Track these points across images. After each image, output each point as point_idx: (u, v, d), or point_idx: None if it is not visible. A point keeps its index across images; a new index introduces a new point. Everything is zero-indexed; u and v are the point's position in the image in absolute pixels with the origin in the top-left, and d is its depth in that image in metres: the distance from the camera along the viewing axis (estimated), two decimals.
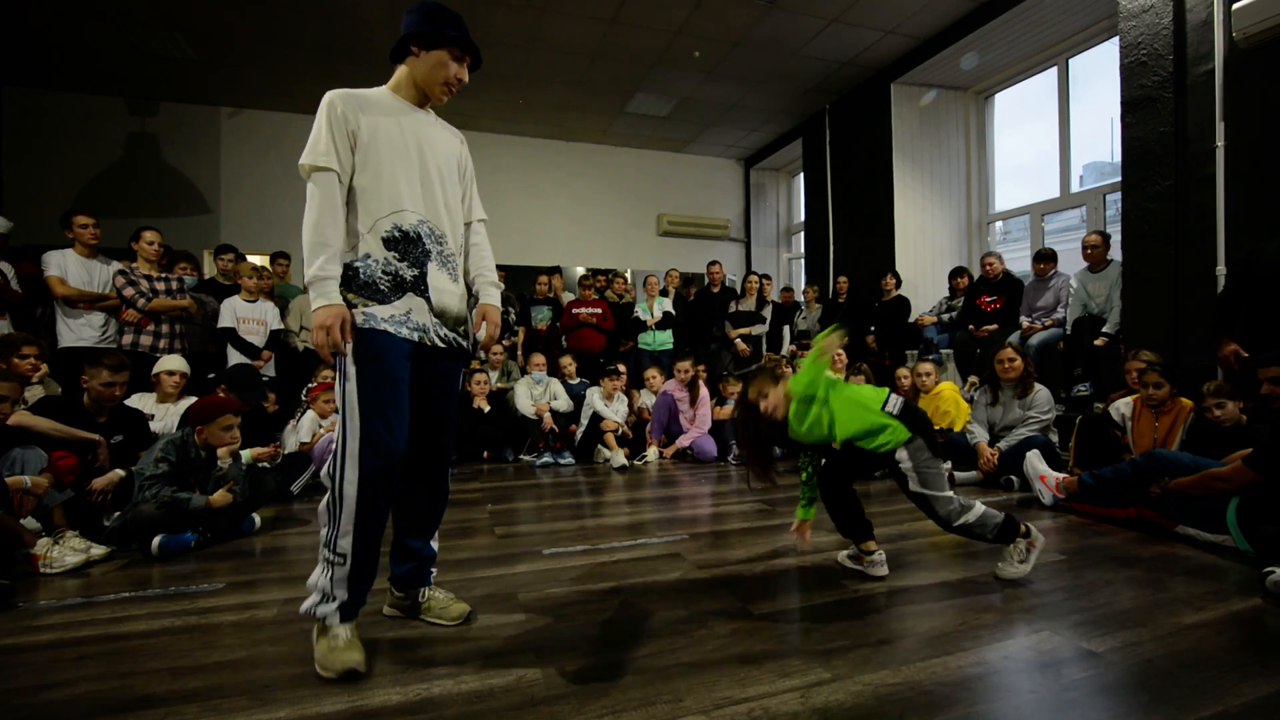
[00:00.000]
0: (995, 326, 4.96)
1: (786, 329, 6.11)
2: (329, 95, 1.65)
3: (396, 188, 1.69)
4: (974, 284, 5.47)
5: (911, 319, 5.83)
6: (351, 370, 1.60)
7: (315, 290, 1.57)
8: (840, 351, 5.15)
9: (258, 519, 3.01)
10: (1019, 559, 2.13)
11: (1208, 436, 2.89)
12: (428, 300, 1.72)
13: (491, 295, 1.91)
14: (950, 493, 2.12)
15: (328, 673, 1.53)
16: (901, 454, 2.09)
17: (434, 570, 1.94)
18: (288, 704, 1.41)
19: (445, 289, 1.77)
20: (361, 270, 1.65)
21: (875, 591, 2.06)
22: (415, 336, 1.68)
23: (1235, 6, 3.40)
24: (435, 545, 1.93)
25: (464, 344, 1.84)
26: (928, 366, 4.43)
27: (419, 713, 1.37)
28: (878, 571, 2.19)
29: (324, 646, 1.59)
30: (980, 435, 3.80)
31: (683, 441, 4.93)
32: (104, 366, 3.00)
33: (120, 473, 2.89)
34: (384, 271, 1.66)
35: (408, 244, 1.69)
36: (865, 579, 2.18)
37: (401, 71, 1.78)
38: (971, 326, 5.12)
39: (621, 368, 5.31)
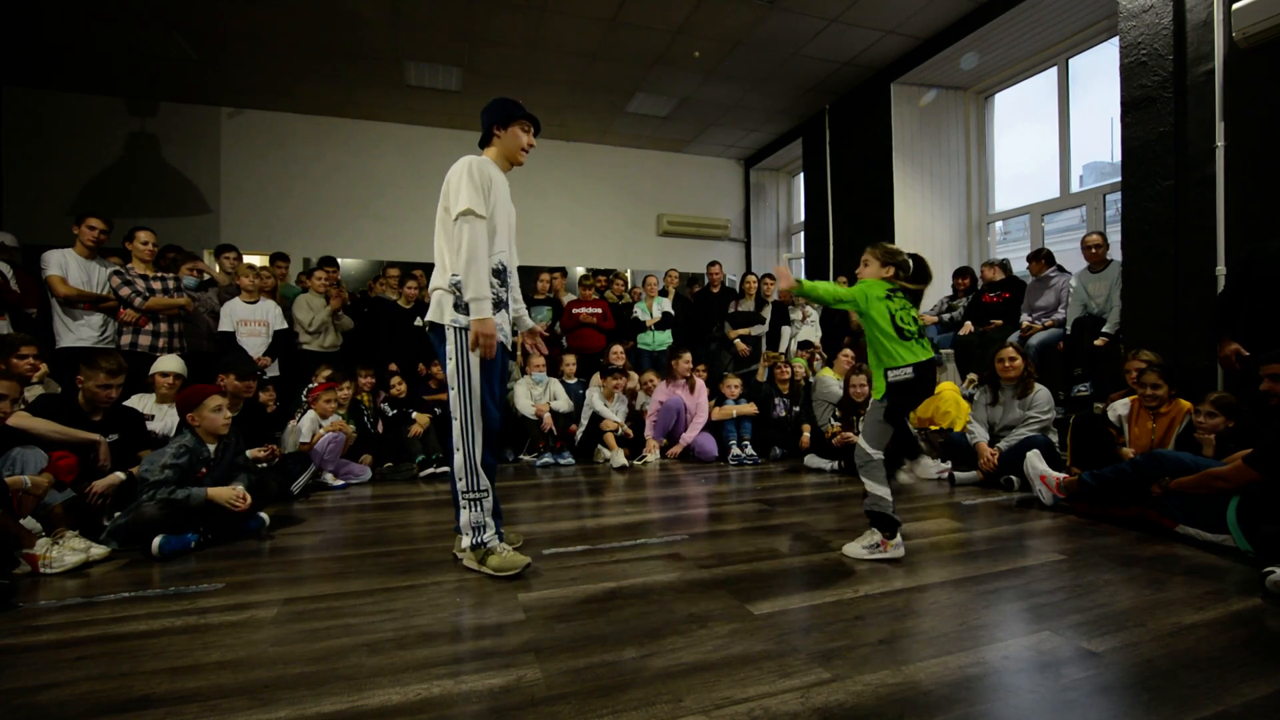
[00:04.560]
0: (1000, 322, 4.97)
1: (785, 329, 6.10)
2: (474, 160, 2.24)
3: (501, 233, 2.33)
4: (972, 284, 5.50)
5: None
6: (476, 362, 2.22)
7: (478, 307, 2.16)
8: (848, 352, 5.17)
9: (266, 518, 3.00)
10: (866, 546, 2.41)
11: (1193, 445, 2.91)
12: (506, 314, 2.42)
13: (531, 322, 2.65)
14: (874, 452, 2.40)
15: (510, 571, 2.18)
16: (874, 407, 2.44)
17: None
18: (288, 704, 1.41)
19: (509, 307, 2.47)
20: None
21: (875, 591, 2.07)
22: (501, 338, 2.32)
23: (1235, 6, 3.40)
24: None
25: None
26: None
27: (419, 713, 1.37)
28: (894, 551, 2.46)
29: (497, 560, 2.21)
30: (980, 435, 3.80)
31: (686, 438, 4.93)
32: (101, 369, 2.98)
33: (121, 475, 2.89)
34: (492, 291, 2.25)
35: (503, 274, 2.37)
36: (865, 579, 2.18)
37: (492, 149, 2.42)
38: (970, 325, 5.13)
39: (625, 364, 5.32)
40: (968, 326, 5.14)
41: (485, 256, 2.18)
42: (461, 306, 2.21)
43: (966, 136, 6.45)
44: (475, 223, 2.16)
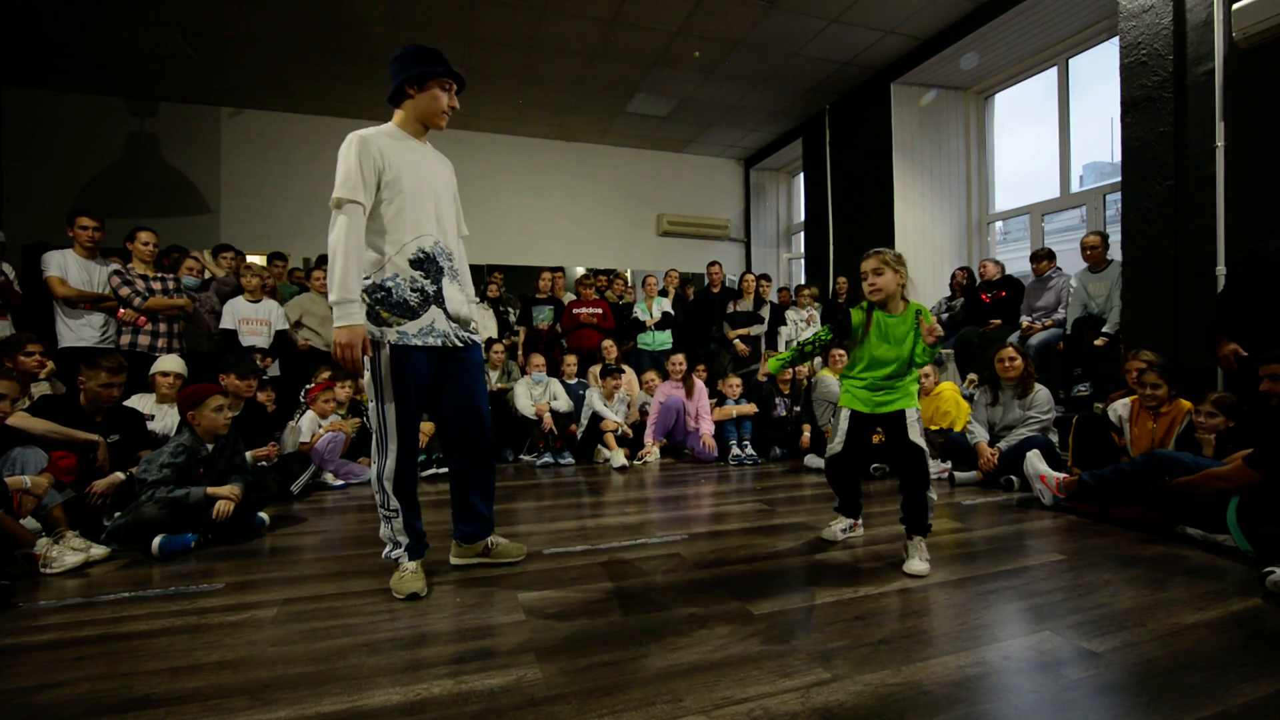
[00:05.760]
0: (999, 322, 4.97)
1: (782, 330, 6.11)
2: (355, 137, 1.92)
3: (417, 215, 2.01)
4: (974, 284, 5.51)
5: None
6: (388, 377, 1.98)
7: (340, 311, 1.83)
8: (839, 352, 5.16)
9: (266, 518, 3.01)
10: (925, 559, 2.28)
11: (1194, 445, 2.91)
12: (445, 310, 2.08)
13: (474, 313, 2.30)
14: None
15: (399, 595, 2.03)
16: (911, 414, 2.39)
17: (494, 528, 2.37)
18: (288, 704, 1.41)
19: (457, 298, 2.13)
20: (394, 290, 1.97)
21: (875, 591, 2.07)
22: (439, 342, 2.06)
23: (1235, 6, 3.40)
24: (490, 511, 2.34)
25: (477, 338, 2.24)
26: (927, 367, 4.43)
27: (419, 713, 1.37)
28: (861, 530, 2.71)
29: (396, 578, 2.09)
30: (980, 435, 3.80)
31: (707, 429, 4.87)
32: (102, 368, 2.99)
33: (120, 476, 2.89)
34: (412, 289, 2.00)
35: (428, 263, 2.04)
36: (865, 579, 2.18)
37: (402, 111, 2.07)
38: (970, 326, 5.13)
39: (625, 366, 5.32)
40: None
41: (355, 250, 1.87)
42: (373, 314, 1.96)
43: (966, 136, 6.45)
44: (349, 210, 1.87)
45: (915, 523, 2.33)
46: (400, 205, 1.96)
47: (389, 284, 1.97)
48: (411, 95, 2.03)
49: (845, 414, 2.50)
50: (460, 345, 2.11)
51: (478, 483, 2.26)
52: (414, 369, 2.00)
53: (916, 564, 2.25)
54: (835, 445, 2.54)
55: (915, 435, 2.35)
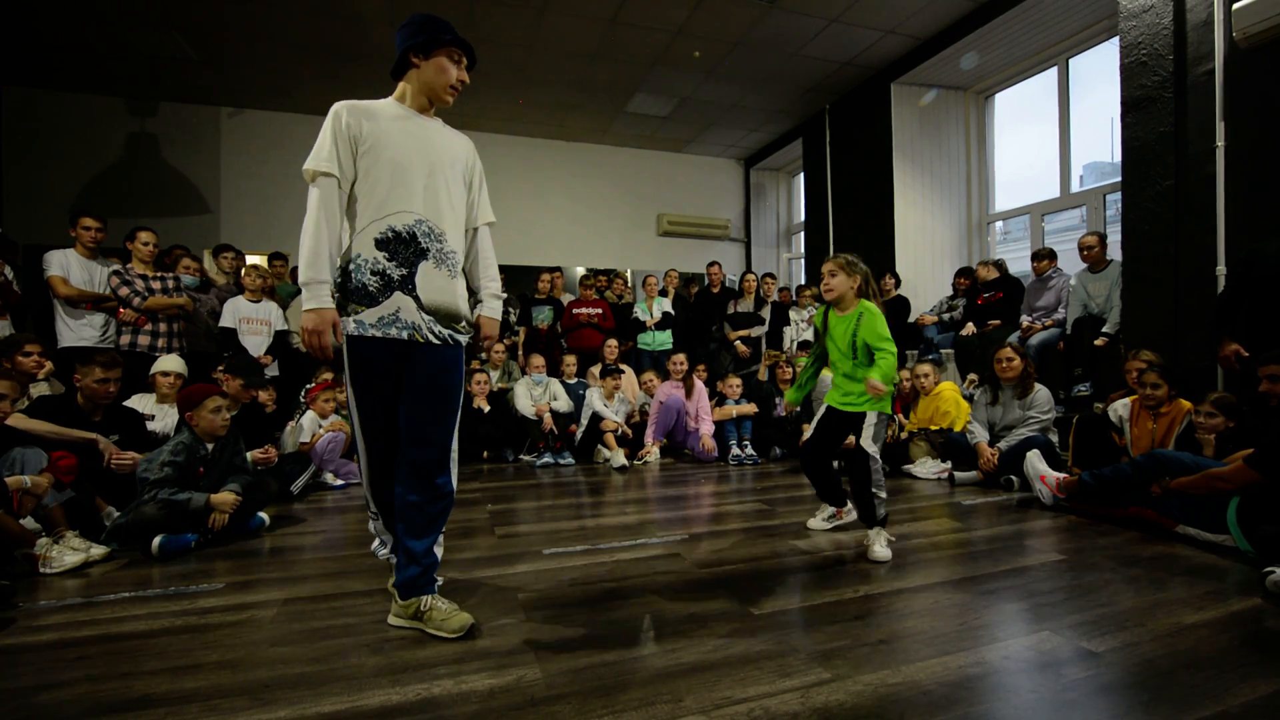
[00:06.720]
0: (998, 322, 4.97)
1: (786, 330, 6.10)
2: (336, 106, 1.77)
3: (396, 190, 1.76)
4: (973, 284, 5.51)
5: (911, 319, 5.82)
6: (348, 375, 1.81)
7: (307, 293, 1.67)
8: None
9: (265, 518, 3.01)
10: (884, 544, 2.45)
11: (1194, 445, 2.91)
12: (416, 299, 1.79)
13: (493, 308, 2.04)
14: (880, 461, 2.53)
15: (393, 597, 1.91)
16: (871, 417, 2.52)
17: (438, 580, 1.91)
18: (288, 704, 1.41)
19: (440, 286, 1.83)
20: (353, 274, 1.75)
21: (875, 591, 2.07)
22: (405, 335, 1.77)
23: (1235, 6, 3.40)
24: (439, 551, 1.92)
25: (461, 339, 1.90)
26: (927, 367, 4.43)
27: (419, 713, 1.37)
28: (848, 517, 2.81)
29: (390, 581, 1.96)
30: (980, 435, 3.80)
31: (707, 429, 4.88)
32: (95, 364, 2.99)
33: (137, 455, 2.94)
34: (372, 272, 1.75)
35: (399, 244, 1.77)
36: (865, 579, 2.18)
37: (406, 84, 1.88)
38: (971, 325, 5.13)
39: (624, 366, 5.32)
40: (969, 327, 5.13)
41: (327, 227, 1.68)
42: (337, 301, 1.74)
43: (966, 136, 6.45)
44: (321, 183, 1.69)
45: (866, 517, 2.53)
46: (376, 178, 1.74)
47: (350, 266, 1.74)
48: (417, 65, 1.83)
49: (823, 407, 2.72)
50: (436, 342, 1.81)
51: (406, 515, 1.82)
52: (373, 364, 1.76)
53: (876, 550, 2.42)
54: (807, 434, 2.79)
55: (867, 439, 2.51)
